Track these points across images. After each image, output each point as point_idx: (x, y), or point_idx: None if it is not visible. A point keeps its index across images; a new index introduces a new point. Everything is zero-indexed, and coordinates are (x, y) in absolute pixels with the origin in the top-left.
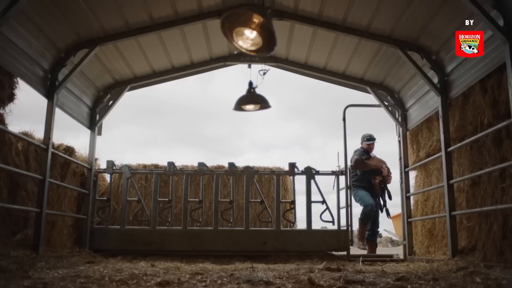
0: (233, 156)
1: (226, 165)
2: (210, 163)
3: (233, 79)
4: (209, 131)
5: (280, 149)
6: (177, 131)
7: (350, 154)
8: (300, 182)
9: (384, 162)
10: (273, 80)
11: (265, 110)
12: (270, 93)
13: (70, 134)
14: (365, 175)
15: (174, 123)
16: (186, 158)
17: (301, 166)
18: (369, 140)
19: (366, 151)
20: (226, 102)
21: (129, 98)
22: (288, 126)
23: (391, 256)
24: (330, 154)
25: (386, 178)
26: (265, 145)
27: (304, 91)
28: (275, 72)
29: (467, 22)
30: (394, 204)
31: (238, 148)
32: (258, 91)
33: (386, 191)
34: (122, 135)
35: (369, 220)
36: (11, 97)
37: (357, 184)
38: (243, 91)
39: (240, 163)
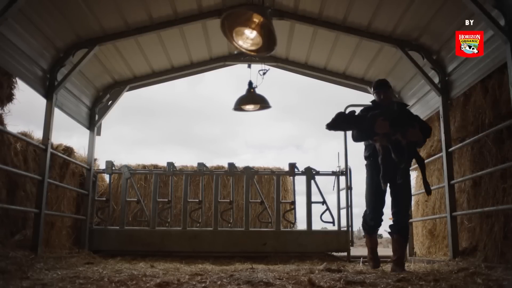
0: (227, 156)
1: (225, 165)
2: (206, 163)
3: (222, 79)
4: (201, 131)
5: (275, 150)
6: (168, 131)
7: (350, 155)
8: (300, 182)
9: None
10: (264, 80)
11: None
12: (262, 93)
13: (64, 134)
14: (366, 140)
15: (165, 124)
16: (180, 159)
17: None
18: (375, 88)
19: (377, 105)
20: (217, 102)
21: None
22: (281, 126)
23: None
24: (325, 154)
25: (407, 135)
26: (259, 146)
27: (297, 91)
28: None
29: (467, 22)
30: None
31: (232, 148)
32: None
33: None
34: (114, 135)
35: (372, 229)
36: (9, 97)
37: (365, 155)
38: (234, 90)
39: (236, 164)
